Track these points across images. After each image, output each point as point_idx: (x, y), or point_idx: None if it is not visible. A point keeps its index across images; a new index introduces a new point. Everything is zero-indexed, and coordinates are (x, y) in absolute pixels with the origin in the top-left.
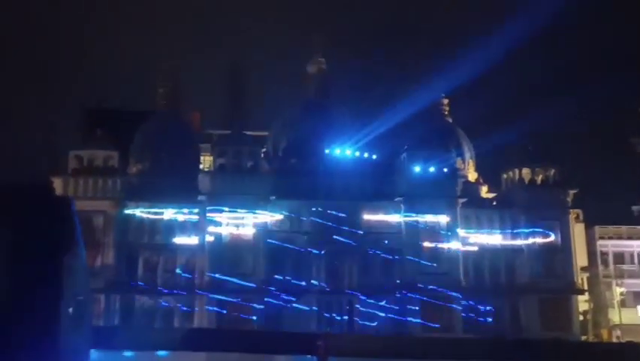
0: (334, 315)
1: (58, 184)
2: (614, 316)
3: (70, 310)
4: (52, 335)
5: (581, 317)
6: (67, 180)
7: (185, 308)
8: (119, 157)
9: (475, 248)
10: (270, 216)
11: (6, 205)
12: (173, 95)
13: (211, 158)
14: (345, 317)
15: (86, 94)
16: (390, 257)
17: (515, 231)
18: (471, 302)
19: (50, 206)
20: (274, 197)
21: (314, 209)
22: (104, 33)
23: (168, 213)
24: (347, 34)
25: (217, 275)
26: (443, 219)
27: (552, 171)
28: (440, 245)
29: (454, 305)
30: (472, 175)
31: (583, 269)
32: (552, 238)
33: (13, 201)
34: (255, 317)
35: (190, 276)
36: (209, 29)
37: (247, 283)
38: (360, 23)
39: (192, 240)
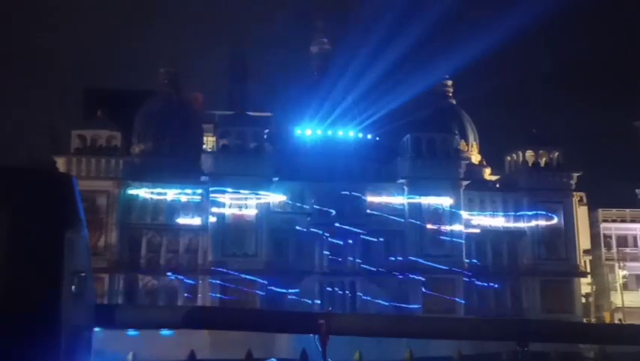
0: (336, 296)
1: (60, 164)
2: (616, 298)
3: (73, 287)
4: (53, 312)
5: (583, 300)
6: (69, 159)
7: (188, 289)
8: (122, 137)
9: (478, 230)
10: (272, 198)
11: (6, 183)
12: (174, 75)
13: (214, 138)
14: (348, 298)
15: (88, 74)
16: (393, 239)
17: (518, 213)
18: (473, 284)
19: (52, 183)
20: (277, 178)
21: (317, 190)
22: (105, 15)
23: (171, 194)
24: (349, 16)
25: (220, 256)
26: (446, 201)
27: (555, 154)
28: (443, 227)
29: (456, 287)
30: (476, 157)
31: (585, 252)
32: (555, 220)
33: (14, 179)
34: (257, 298)
35: (193, 256)
36: (211, 11)
37: (250, 264)
38: (363, 4)
39: (195, 220)
